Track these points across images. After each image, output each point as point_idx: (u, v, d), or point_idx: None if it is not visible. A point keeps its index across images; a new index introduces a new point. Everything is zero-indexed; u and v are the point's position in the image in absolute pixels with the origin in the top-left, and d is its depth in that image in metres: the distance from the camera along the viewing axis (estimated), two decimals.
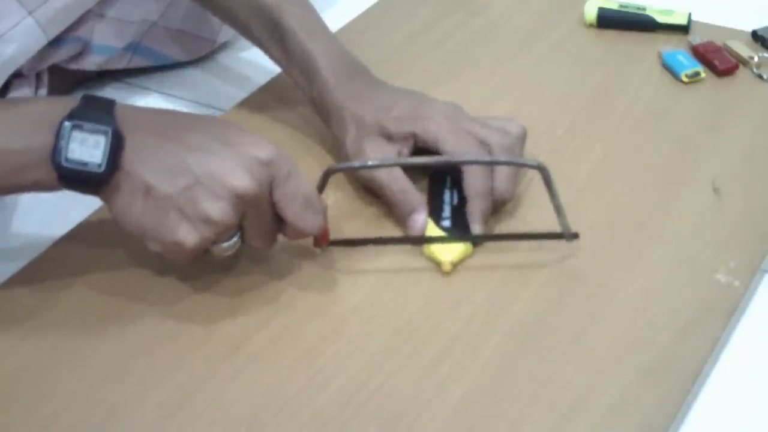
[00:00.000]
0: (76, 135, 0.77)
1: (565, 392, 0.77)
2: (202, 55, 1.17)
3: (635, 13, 1.17)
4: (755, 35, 1.14)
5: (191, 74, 1.17)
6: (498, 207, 0.90)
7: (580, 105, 1.06)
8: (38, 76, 1.05)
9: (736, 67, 1.10)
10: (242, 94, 1.09)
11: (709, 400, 0.78)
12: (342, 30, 1.15)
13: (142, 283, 0.86)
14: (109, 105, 0.79)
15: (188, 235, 0.78)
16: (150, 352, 0.81)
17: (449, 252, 0.87)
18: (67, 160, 0.77)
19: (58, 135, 0.76)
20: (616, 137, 1.01)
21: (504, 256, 0.88)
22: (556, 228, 0.87)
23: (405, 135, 0.91)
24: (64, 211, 0.93)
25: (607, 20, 1.17)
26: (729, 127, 1.03)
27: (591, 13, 1.17)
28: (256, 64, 1.16)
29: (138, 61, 1.14)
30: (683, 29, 1.15)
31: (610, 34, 1.16)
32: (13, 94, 1.01)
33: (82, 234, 0.92)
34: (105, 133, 0.77)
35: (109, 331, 0.83)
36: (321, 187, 0.85)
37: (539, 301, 0.84)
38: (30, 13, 0.96)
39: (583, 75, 1.10)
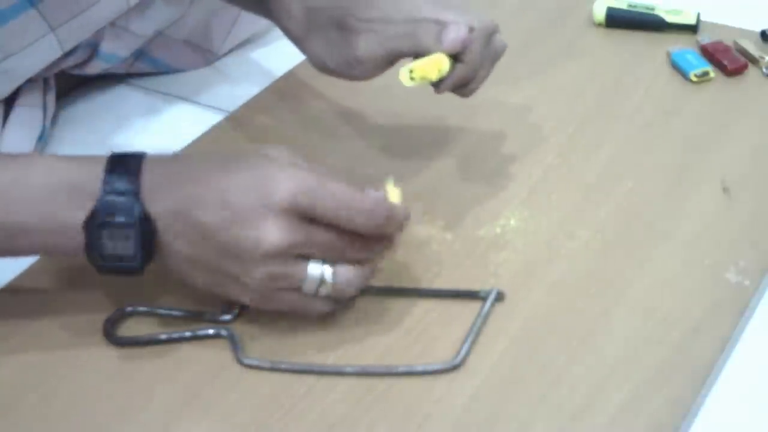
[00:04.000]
0: (106, 232, 0.76)
1: (575, 392, 0.77)
2: (202, 66, 1.17)
3: (644, 12, 1.16)
4: (764, 35, 1.13)
5: (194, 76, 1.16)
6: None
7: (589, 105, 1.06)
8: (45, 79, 1.05)
9: (746, 66, 1.09)
10: (246, 95, 1.09)
11: (719, 399, 0.78)
12: None
13: (148, 282, 0.86)
14: (135, 182, 0.76)
15: (243, 296, 0.78)
16: (156, 353, 0.81)
17: (435, 64, 0.86)
18: (102, 256, 0.77)
19: (89, 232, 0.76)
20: (625, 137, 1.01)
21: (513, 255, 0.88)
22: None
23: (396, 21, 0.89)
24: None
25: (616, 20, 1.17)
26: (738, 126, 1.02)
27: (600, 13, 1.17)
28: (262, 65, 1.16)
29: (139, 67, 1.14)
30: (692, 29, 1.15)
31: (619, 34, 1.16)
32: (23, 97, 1.02)
33: None
34: (133, 225, 0.75)
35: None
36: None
37: (549, 301, 0.84)
38: (53, 29, 0.96)
39: (592, 75, 1.10)
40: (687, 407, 0.76)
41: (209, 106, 1.11)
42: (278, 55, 1.16)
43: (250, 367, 0.79)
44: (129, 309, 0.84)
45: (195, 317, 0.83)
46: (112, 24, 1.04)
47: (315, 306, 0.79)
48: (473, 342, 0.80)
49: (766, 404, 0.78)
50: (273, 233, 0.74)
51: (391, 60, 0.90)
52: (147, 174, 0.76)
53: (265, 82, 1.11)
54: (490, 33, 0.89)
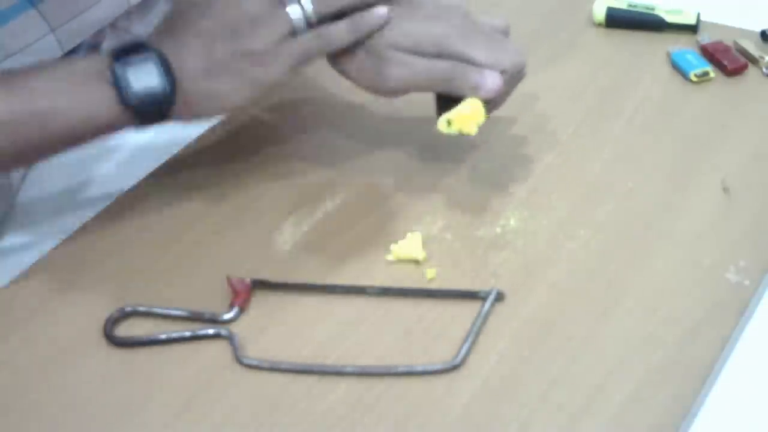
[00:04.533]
0: (129, 70, 0.83)
1: (575, 392, 0.77)
2: None
3: (644, 12, 1.16)
4: (764, 35, 1.13)
5: None
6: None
7: (590, 104, 1.06)
8: None
9: (745, 66, 1.09)
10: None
11: (719, 399, 0.78)
12: None
13: (147, 283, 0.87)
14: (139, 39, 0.85)
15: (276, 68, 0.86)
16: (156, 353, 0.81)
17: (473, 117, 0.88)
18: (134, 94, 0.83)
19: (114, 78, 0.83)
20: (625, 137, 1.01)
21: (513, 255, 0.88)
22: None
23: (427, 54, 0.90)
24: (75, 206, 0.93)
25: (616, 20, 1.17)
26: (738, 126, 1.02)
27: (600, 13, 1.17)
28: None
29: None
30: (692, 29, 1.15)
31: (619, 34, 1.16)
32: None
33: (85, 235, 0.92)
34: (151, 58, 0.83)
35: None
36: None
37: (549, 301, 0.84)
38: (52, 30, 0.96)
39: (592, 74, 1.10)
40: (687, 407, 0.76)
41: None
42: None
43: (250, 367, 0.79)
44: (129, 309, 0.84)
45: (195, 317, 0.83)
46: (113, 25, 1.04)
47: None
48: (473, 342, 0.80)
49: (766, 404, 0.78)
50: None
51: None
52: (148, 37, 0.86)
53: None
54: (520, 72, 0.91)
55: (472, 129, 0.88)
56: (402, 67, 0.89)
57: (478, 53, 0.88)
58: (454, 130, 0.88)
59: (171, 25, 0.87)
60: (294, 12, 0.86)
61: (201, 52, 0.84)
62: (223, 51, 0.84)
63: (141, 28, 1.07)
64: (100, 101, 0.83)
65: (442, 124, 0.88)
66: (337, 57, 0.91)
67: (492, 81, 0.87)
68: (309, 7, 0.86)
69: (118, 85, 0.83)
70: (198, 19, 0.85)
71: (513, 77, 0.90)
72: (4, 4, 0.92)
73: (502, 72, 0.88)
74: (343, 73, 0.92)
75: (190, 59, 0.84)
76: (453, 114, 0.87)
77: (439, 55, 0.88)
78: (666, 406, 0.76)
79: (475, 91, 0.88)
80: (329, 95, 1.07)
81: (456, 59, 0.88)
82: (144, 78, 0.83)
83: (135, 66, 0.83)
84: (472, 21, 0.91)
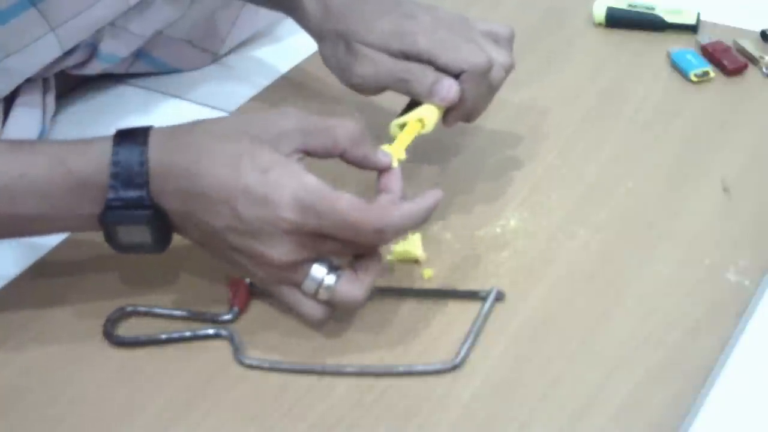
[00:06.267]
0: (122, 228, 0.79)
1: (575, 392, 0.77)
2: (202, 66, 1.17)
3: (644, 12, 1.16)
4: (764, 35, 1.13)
5: (195, 75, 1.16)
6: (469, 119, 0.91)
7: (589, 104, 1.06)
8: (45, 80, 1.05)
9: (745, 66, 1.09)
10: (247, 94, 1.09)
11: (719, 399, 0.78)
12: None
13: (148, 282, 0.87)
14: (142, 176, 0.77)
15: (248, 278, 0.83)
16: (156, 353, 0.81)
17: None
18: (120, 245, 0.80)
19: (104, 226, 0.79)
20: (625, 136, 1.01)
21: (513, 255, 0.88)
22: None
23: (394, 52, 0.89)
24: None
25: (616, 20, 1.17)
26: (738, 126, 1.02)
27: (600, 13, 1.17)
28: (262, 65, 1.16)
29: (139, 67, 1.14)
30: (692, 29, 1.15)
31: (619, 34, 1.16)
32: (22, 98, 1.02)
33: (85, 235, 0.91)
34: (146, 223, 0.78)
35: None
36: None
37: (549, 301, 0.84)
38: (53, 29, 0.96)
39: (592, 74, 1.10)
40: (687, 407, 0.76)
41: (210, 106, 1.11)
42: (279, 55, 1.16)
43: (250, 367, 0.79)
44: (129, 309, 0.84)
45: (195, 317, 0.83)
46: (112, 24, 1.04)
47: (310, 308, 0.79)
48: (473, 342, 0.80)
49: (766, 404, 0.78)
50: (281, 252, 0.76)
51: (385, 90, 0.91)
52: (153, 164, 0.77)
53: (265, 82, 1.11)
54: (483, 73, 0.88)
55: (420, 129, 0.87)
56: (367, 64, 0.89)
57: (439, 53, 0.87)
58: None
59: (187, 194, 0.77)
60: (316, 274, 0.78)
61: (204, 238, 0.80)
62: (223, 250, 0.79)
63: (139, 27, 1.07)
64: (85, 226, 0.81)
65: (394, 128, 0.87)
66: (320, 47, 0.93)
67: (447, 89, 0.86)
68: (331, 282, 0.78)
69: (108, 235, 0.80)
70: (223, 216, 0.77)
71: (476, 80, 0.88)
72: (4, 3, 0.92)
73: (460, 73, 0.87)
74: (323, 61, 0.94)
75: (188, 233, 0.80)
76: (404, 119, 0.87)
77: (404, 55, 0.88)
78: (666, 406, 0.76)
79: (430, 96, 0.87)
80: (329, 95, 1.07)
81: (418, 59, 0.88)
82: (136, 236, 0.79)
83: (129, 227, 0.79)
84: (447, 21, 0.90)
